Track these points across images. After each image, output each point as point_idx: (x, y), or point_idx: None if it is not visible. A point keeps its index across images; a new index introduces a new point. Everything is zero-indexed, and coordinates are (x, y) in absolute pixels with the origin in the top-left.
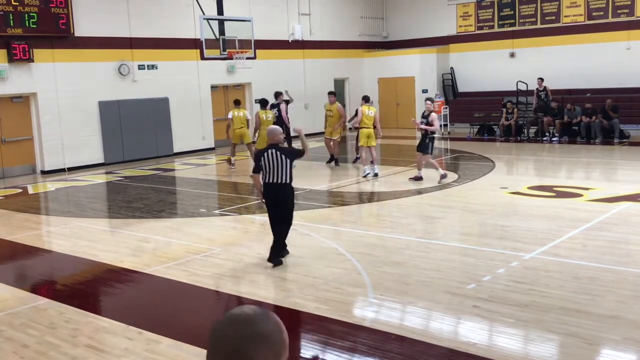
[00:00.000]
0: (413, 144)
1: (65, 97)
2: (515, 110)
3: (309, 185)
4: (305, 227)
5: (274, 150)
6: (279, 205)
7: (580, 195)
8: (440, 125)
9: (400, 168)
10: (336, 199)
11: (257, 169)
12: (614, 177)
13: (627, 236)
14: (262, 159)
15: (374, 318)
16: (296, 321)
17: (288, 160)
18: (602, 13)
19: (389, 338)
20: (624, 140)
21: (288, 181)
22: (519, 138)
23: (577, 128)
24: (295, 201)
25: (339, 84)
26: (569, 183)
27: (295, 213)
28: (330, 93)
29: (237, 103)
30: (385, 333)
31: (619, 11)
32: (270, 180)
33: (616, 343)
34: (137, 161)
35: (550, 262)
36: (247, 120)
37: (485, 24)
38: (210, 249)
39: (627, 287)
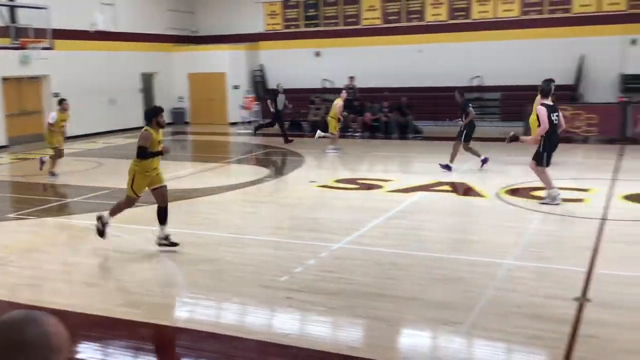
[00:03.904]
0: (225, 140)
1: None
2: (323, 107)
3: (116, 184)
4: (114, 228)
5: None
6: None
7: (380, 186)
8: (249, 122)
9: (213, 165)
10: (146, 197)
11: None
12: (410, 170)
13: (422, 223)
14: None
15: (188, 317)
16: (104, 328)
17: None
18: (396, 17)
19: (203, 337)
20: (418, 135)
21: None
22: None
23: (377, 124)
24: None
25: (147, 78)
26: (370, 175)
27: (101, 213)
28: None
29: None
30: (199, 332)
31: (411, 16)
32: None
33: (414, 322)
34: None
35: (356, 251)
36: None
37: (292, 23)
38: (4, 256)
39: (423, 270)
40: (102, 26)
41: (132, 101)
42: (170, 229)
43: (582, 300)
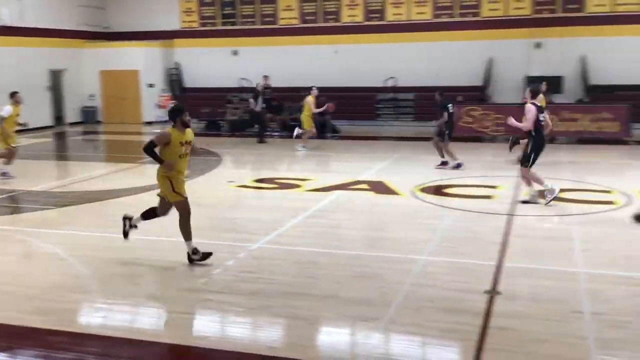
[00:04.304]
0: (140, 140)
1: None
2: (241, 106)
3: (25, 186)
4: (21, 232)
5: None
6: None
7: (299, 186)
8: (166, 121)
9: (127, 165)
10: (56, 199)
11: None
12: (327, 169)
13: (340, 222)
14: None
15: (102, 323)
16: (12, 337)
17: None
18: (313, 17)
19: (118, 343)
20: (335, 134)
21: None
22: (245, 133)
23: (295, 123)
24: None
25: (56, 75)
26: (289, 175)
27: (8, 217)
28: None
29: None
30: (114, 338)
31: (327, 17)
32: None
33: (333, 320)
34: None
35: (275, 251)
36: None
37: (209, 21)
38: None
39: (341, 268)
40: (7, 20)
41: (39, 99)
42: (82, 232)
43: (493, 293)
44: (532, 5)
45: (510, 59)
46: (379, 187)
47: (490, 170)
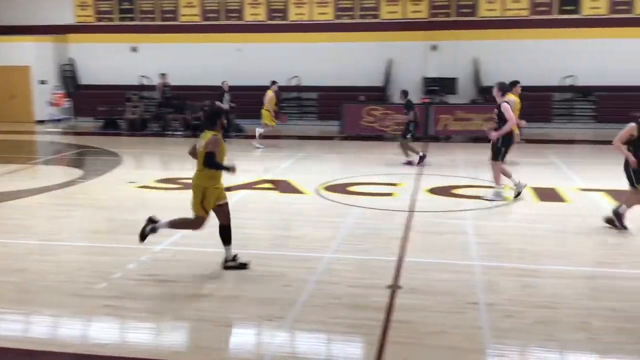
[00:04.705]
0: (31, 139)
1: None
2: (141, 104)
3: None
4: None
5: None
6: None
7: None
8: (59, 119)
9: (17, 166)
10: None
11: None
12: None
13: (245, 221)
14: None
15: None
16: None
17: None
18: (216, 15)
19: (10, 355)
20: (240, 133)
21: None
22: (145, 132)
23: (197, 122)
24: None
25: None
26: (191, 175)
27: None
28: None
29: None
30: (6, 349)
31: (230, 15)
32: None
33: (239, 320)
34: None
35: (181, 252)
36: None
37: (105, 15)
38: None
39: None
40: None
41: None
42: None
43: (395, 287)
44: (429, 9)
45: (408, 60)
46: (284, 186)
47: (391, 168)
